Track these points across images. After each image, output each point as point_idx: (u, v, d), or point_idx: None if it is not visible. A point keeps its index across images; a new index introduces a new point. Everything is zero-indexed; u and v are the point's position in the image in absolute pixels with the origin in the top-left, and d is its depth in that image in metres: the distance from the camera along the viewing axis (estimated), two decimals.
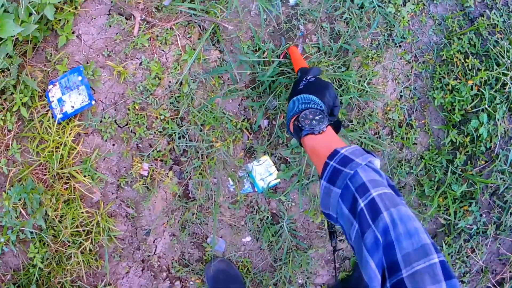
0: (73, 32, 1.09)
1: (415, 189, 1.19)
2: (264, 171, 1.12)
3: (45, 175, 1.07)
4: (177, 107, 1.11)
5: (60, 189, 1.06)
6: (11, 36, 0.94)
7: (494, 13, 1.23)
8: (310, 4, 1.15)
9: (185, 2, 1.10)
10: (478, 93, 1.17)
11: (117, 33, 1.10)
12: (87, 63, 1.09)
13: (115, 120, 1.11)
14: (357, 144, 1.10)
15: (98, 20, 1.11)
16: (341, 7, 1.14)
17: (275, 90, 1.09)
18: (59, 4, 1.04)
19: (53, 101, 1.04)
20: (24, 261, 1.15)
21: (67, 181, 1.08)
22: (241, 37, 1.12)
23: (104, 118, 1.10)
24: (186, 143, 1.11)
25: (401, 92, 1.18)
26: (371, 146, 1.14)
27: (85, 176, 1.06)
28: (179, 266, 1.24)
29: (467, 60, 1.18)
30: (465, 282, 1.33)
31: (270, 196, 1.14)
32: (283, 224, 1.16)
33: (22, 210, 1.05)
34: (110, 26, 1.10)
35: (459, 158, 1.16)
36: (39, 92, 1.06)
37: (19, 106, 1.04)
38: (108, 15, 1.11)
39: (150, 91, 1.10)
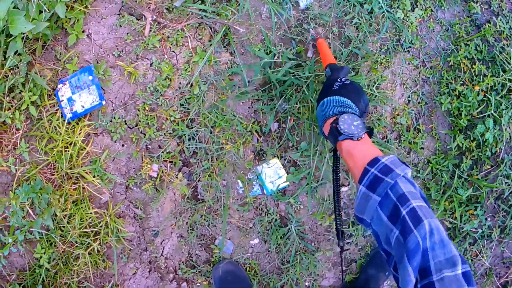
0: (83, 31, 1.07)
1: None
2: (274, 173, 1.11)
3: (53, 175, 1.05)
4: (187, 109, 1.10)
5: (69, 189, 1.04)
6: (21, 33, 0.93)
7: (501, 20, 1.24)
8: (321, 9, 1.15)
9: (196, 3, 1.09)
10: (485, 98, 1.18)
11: (127, 33, 1.09)
12: (97, 62, 1.07)
13: (125, 121, 1.10)
14: None
15: (108, 19, 1.09)
16: (351, 12, 1.14)
17: (285, 93, 1.09)
18: (70, 2, 1.02)
19: (62, 100, 1.03)
20: (30, 261, 1.13)
21: (76, 181, 1.06)
22: (252, 39, 1.12)
23: (114, 118, 1.08)
24: (196, 145, 1.10)
25: (409, 97, 1.19)
26: (380, 150, 1.14)
27: (94, 177, 1.04)
28: (186, 268, 1.23)
29: (474, 66, 1.19)
30: None
31: (279, 198, 1.14)
32: (291, 227, 1.15)
33: (29, 210, 1.03)
34: (121, 26, 1.09)
35: (465, 162, 1.17)
36: (48, 90, 1.04)
37: (28, 105, 1.02)
38: (119, 14, 1.10)
39: (160, 92, 1.09)
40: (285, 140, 1.12)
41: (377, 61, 1.14)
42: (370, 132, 0.61)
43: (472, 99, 1.16)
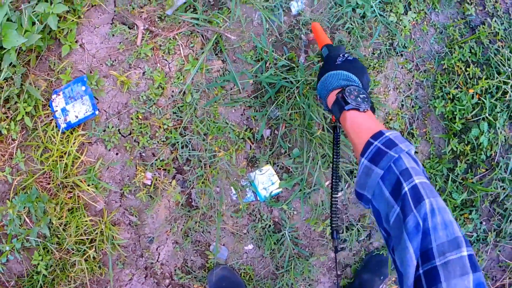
0: (76, 41, 1.09)
1: None
2: (267, 180, 1.13)
3: (49, 183, 1.08)
4: (180, 117, 1.12)
5: (64, 198, 1.07)
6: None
7: (495, 21, 1.23)
8: (313, 14, 1.15)
9: (187, 12, 1.10)
10: (479, 101, 1.18)
11: (120, 42, 1.11)
12: (91, 72, 1.09)
13: (119, 130, 1.11)
14: None
15: (101, 29, 1.11)
16: (343, 16, 1.15)
17: (277, 100, 1.10)
18: (62, 13, 1.04)
19: (56, 110, 1.05)
20: (28, 268, 1.16)
21: (71, 190, 1.08)
22: (243, 47, 1.13)
23: (108, 127, 1.10)
24: (189, 152, 1.12)
25: (402, 101, 1.19)
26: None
27: (89, 185, 1.06)
28: (182, 273, 1.25)
29: (468, 68, 1.19)
30: None
31: (272, 205, 1.15)
32: (285, 233, 1.17)
33: (26, 218, 1.06)
34: (113, 35, 1.10)
35: (460, 166, 1.17)
36: (42, 101, 1.06)
37: (23, 115, 1.04)
38: (111, 24, 1.11)
39: (153, 101, 1.11)
40: (278, 147, 1.13)
41: (370, 65, 1.15)
42: (373, 110, 0.59)
43: (467, 102, 1.16)
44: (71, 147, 1.05)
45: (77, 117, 1.05)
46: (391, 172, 0.47)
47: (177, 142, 1.12)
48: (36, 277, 1.16)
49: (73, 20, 1.06)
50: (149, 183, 1.13)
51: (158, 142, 1.12)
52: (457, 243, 0.43)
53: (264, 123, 1.11)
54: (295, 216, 1.18)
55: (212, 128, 1.09)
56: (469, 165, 1.21)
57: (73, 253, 1.12)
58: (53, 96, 1.05)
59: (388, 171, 0.48)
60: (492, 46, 1.21)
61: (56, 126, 1.06)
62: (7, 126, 1.04)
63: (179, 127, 1.12)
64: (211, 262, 1.23)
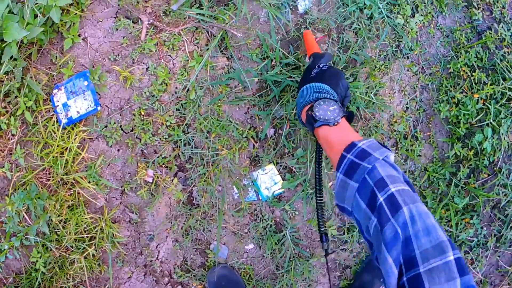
0: (79, 35, 1.08)
1: None
2: (269, 180, 1.13)
3: (49, 180, 1.07)
4: (183, 114, 1.12)
5: (64, 194, 1.06)
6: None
7: (502, 27, 1.24)
8: (320, 13, 1.15)
9: (193, 7, 1.09)
10: (484, 107, 1.19)
11: (124, 37, 1.10)
12: (93, 67, 1.08)
13: (121, 126, 1.11)
14: None
15: (104, 23, 1.10)
16: (351, 17, 1.15)
17: (282, 99, 1.10)
18: (65, 6, 1.03)
19: (58, 105, 1.04)
20: (26, 265, 1.16)
21: (71, 187, 1.08)
22: (249, 44, 1.12)
23: (110, 123, 1.10)
24: (191, 150, 1.12)
25: (407, 104, 1.20)
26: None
27: (89, 182, 1.06)
28: (181, 272, 1.26)
29: (473, 73, 1.19)
30: None
31: (274, 204, 1.15)
32: (286, 233, 1.17)
33: (25, 215, 1.05)
34: (117, 29, 1.10)
35: (463, 171, 1.19)
36: (43, 96, 1.05)
37: (23, 110, 1.04)
38: (115, 18, 1.10)
39: (156, 97, 1.11)
40: (281, 147, 1.13)
41: (375, 67, 1.15)
42: (350, 117, 0.58)
43: (471, 107, 1.17)
44: (72, 143, 1.04)
45: (78, 112, 1.04)
46: (366, 184, 0.47)
47: (180, 140, 1.12)
48: (34, 274, 1.16)
49: (76, 13, 1.05)
50: (151, 181, 1.12)
51: (160, 139, 1.12)
52: (442, 248, 0.43)
53: (268, 122, 1.11)
54: (297, 216, 1.19)
55: (215, 126, 1.09)
56: (472, 170, 1.23)
57: (72, 251, 1.12)
58: (55, 91, 1.04)
59: (362, 183, 0.47)
60: (498, 52, 1.22)
61: (57, 122, 1.05)
62: (6, 121, 1.03)
63: (182, 124, 1.11)
64: (211, 261, 1.24)
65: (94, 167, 1.06)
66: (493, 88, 1.17)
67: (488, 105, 1.18)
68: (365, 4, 1.14)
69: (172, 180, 1.14)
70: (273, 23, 1.12)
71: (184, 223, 1.19)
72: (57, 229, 1.10)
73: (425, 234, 0.43)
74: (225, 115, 1.11)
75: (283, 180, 1.13)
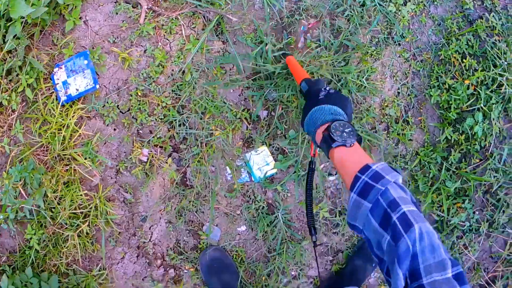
0: (80, 18, 1.15)
1: (409, 184, 1.25)
2: (262, 161, 1.18)
3: (46, 156, 1.13)
4: (179, 95, 1.17)
5: (61, 170, 1.11)
6: (20, 18, 1.01)
7: (493, 16, 1.30)
8: (313, 0, 1.22)
9: None
10: (474, 92, 1.24)
11: (123, 21, 1.17)
12: (93, 48, 1.15)
13: (118, 106, 1.17)
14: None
15: (105, 7, 1.17)
16: (343, 4, 1.21)
17: (275, 82, 1.15)
18: None
19: (58, 83, 1.10)
20: (20, 242, 1.20)
21: (67, 163, 1.13)
22: (244, 29, 1.19)
23: (107, 103, 1.16)
24: (186, 130, 1.17)
25: (398, 89, 1.25)
26: (368, 140, 1.20)
27: (85, 159, 1.11)
28: (174, 254, 1.29)
29: (464, 60, 1.25)
30: None
31: (266, 186, 1.20)
32: (278, 215, 1.21)
33: (22, 191, 1.10)
34: (117, 13, 1.17)
35: (454, 155, 1.23)
36: (44, 74, 1.12)
37: (24, 87, 1.10)
38: (115, 2, 1.18)
39: (153, 78, 1.17)
40: (274, 128, 1.18)
41: (367, 52, 1.21)
42: (359, 140, 0.63)
43: (462, 92, 1.22)
44: (70, 119, 1.10)
45: (77, 90, 1.10)
46: (379, 205, 0.53)
47: (175, 120, 1.17)
48: (28, 252, 1.20)
49: None
50: (145, 160, 1.18)
51: (156, 119, 1.18)
52: (443, 265, 0.49)
53: (261, 104, 1.16)
54: (289, 198, 1.23)
55: (210, 107, 1.15)
56: (463, 155, 1.27)
57: (66, 228, 1.16)
58: (55, 69, 1.11)
59: (376, 204, 0.53)
60: (489, 40, 1.28)
61: (57, 99, 1.11)
62: (8, 97, 1.09)
63: (177, 105, 1.17)
64: (203, 243, 1.27)
65: (91, 144, 1.11)
66: (483, 74, 1.22)
67: (479, 90, 1.22)
68: None
69: (166, 160, 1.19)
70: (268, 9, 1.19)
71: (177, 204, 1.24)
72: (52, 206, 1.15)
73: (430, 251, 0.49)
74: (219, 97, 1.17)
75: (275, 161, 1.18)
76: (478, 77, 1.22)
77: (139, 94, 1.17)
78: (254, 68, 1.17)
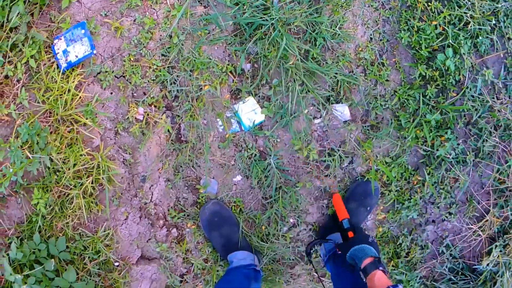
0: None
1: (392, 122, 1.34)
2: (249, 110, 1.28)
3: (49, 120, 1.24)
4: (168, 57, 1.30)
5: (64, 131, 1.23)
6: None
7: None
8: None
9: None
10: (443, 32, 1.35)
11: None
12: (88, 20, 1.30)
13: (113, 71, 1.30)
14: (334, 82, 1.28)
15: None
16: None
17: (255, 36, 1.28)
18: None
19: (58, 53, 1.24)
20: (27, 211, 1.29)
21: (70, 126, 1.25)
22: None
23: (103, 68, 1.29)
24: (177, 88, 1.29)
25: (371, 35, 1.37)
26: (347, 83, 1.31)
27: (86, 119, 1.23)
28: (175, 212, 1.37)
29: (430, 4, 1.38)
30: (453, 214, 1.43)
31: (256, 133, 1.30)
32: (270, 161, 1.30)
33: (28, 154, 1.21)
34: None
35: (430, 90, 1.33)
36: (45, 47, 1.26)
37: (27, 58, 1.24)
38: None
39: (143, 44, 1.30)
40: (258, 79, 1.29)
41: (337, 3, 1.34)
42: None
43: (431, 32, 1.33)
44: (71, 84, 1.22)
45: (77, 56, 1.24)
46: None
47: (166, 80, 1.29)
48: (35, 219, 1.29)
49: None
50: (141, 118, 1.29)
51: (148, 81, 1.30)
52: None
53: (244, 57, 1.28)
54: (279, 144, 1.32)
55: (197, 63, 1.27)
56: (440, 90, 1.37)
57: (71, 188, 1.26)
58: (55, 41, 1.25)
59: None
60: None
61: (58, 67, 1.25)
62: (13, 69, 1.23)
63: (167, 67, 1.30)
64: (202, 197, 1.36)
65: (91, 104, 1.23)
66: (449, 13, 1.34)
67: (446, 29, 1.34)
68: None
69: (161, 117, 1.30)
70: None
71: (174, 161, 1.33)
72: (57, 169, 1.25)
73: None
74: (205, 54, 1.30)
75: (262, 109, 1.28)
76: (444, 17, 1.34)
77: (132, 59, 1.30)
78: (235, 26, 1.30)
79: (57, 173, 1.26)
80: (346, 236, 1.17)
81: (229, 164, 1.33)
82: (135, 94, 1.31)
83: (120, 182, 1.31)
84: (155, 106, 1.31)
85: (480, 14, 1.34)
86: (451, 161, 1.35)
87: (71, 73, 1.26)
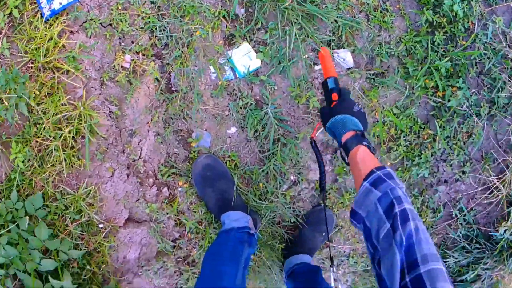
0: None
1: (398, 70, 1.25)
2: (244, 56, 1.20)
3: (31, 70, 1.17)
4: (158, 5, 1.24)
5: (44, 78, 1.15)
6: None
7: None
8: None
9: None
10: None
11: None
12: None
13: (99, 19, 1.23)
14: (335, 26, 1.20)
15: None
16: None
17: None
18: None
19: (42, 1, 1.18)
20: (7, 168, 1.20)
21: (51, 74, 1.17)
22: None
23: (89, 16, 1.22)
24: (167, 34, 1.22)
25: None
26: (349, 28, 1.23)
27: (69, 65, 1.15)
28: (166, 168, 1.28)
29: None
30: (466, 173, 1.32)
31: (251, 79, 1.21)
32: (268, 110, 1.21)
33: (5, 102, 1.13)
34: None
35: (438, 36, 1.24)
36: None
37: (11, 9, 1.17)
38: None
39: None
40: (253, 22, 1.22)
41: None
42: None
43: None
44: (54, 30, 1.15)
45: (61, 3, 1.17)
46: (387, 195, 0.63)
47: (155, 27, 1.22)
48: (13, 176, 1.20)
49: None
50: (128, 66, 1.21)
51: (136, 29, 1.23)
52: (437, 258, 0.56)
53: (237, 1, 1.21)
54: (277, 91, 1.23)
55: (188, 8, 1.20)
56: (449, 38, 1.28)
57: (51, 140, 1.17)
58: None
59: (385, 194, 0.64)
60: None
61: (41, 17, 1.18)
62: None
63: (157, 14, 1.23)
64: (194, 152, 1.26)
65: (73, 51, 1.16)
66: None
67: None
68: None
69: (150, 64, 1.22)
70: None
71: (164, 113, 1.25)
72: (37, 121, 1.17)
73: (426, 243, 0.57)
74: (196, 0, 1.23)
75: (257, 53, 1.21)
76: None
77: (120, 8, 1.24)
78: None
79: (37, 125, 1.18)
80: (330, 99, 0.91)
81: (223, 114, 1.24)
82: (122, 43, 1.24)
83: (105, 135, 1.22)
84: (143, 55, 1.23)
85: None
86: (464, 114, 1.26)
87: (55, 21, 1.19)
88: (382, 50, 1.24)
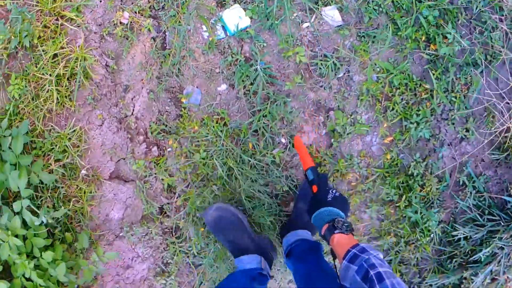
0: None
1: (388, 26, 1.26)
2: (235, 16, 1.25)
3: (40, 17, 1.26)
4: None
5: (49, 21, 1.23)
6: None
7: None
8: None
9: None
10: None
11: None
12: None
13: None
14: None
15: None
16: None
17: None
18: None
19: None
20: (3, 100, 1.24)
21: (55, 21, 1.25)
22: None
23: None
24: None
25: None
26: None
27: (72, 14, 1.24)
28: (156, 125, 1.28)
29: None
30: (470, 130, 1.24)
31: (241, 36, 1.24)
32: (257, 67, 1.22)
33: (12, 37, 1.20)
34: None
35: None
36: None
37: None
38: None
39: None
40: None
41: None
42: (351, 231, 0.91)
43: None
44: None
45: None
46: (362, 267, 0.76)
47: None
48: (7, 108, 1.22)
49: None
50: (126, 22, 1.28)
51: None
52: None
53: None
54: (266, 48, 1.25)
55: None
56: None
57: (47, 79, 1.20)
58: None
59: (360, 266, 0.77)
60: None
61: None
62: None
63: None
64: (185, 111, 1.27)
65: (77, 2, 1.25)
66: None
67: None
68: None
69: (146, 20, 1.28)
70: None
71: (158, 71, 1.29)
72: (38, 60, 1.22)
73: None
74: None
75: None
76: None
77: None
78: None
79: (37, 65, 1.23)
80: (312, 190, 1.01)
81: (214, 71, 1.26)
82: (123, 3, 1.33)
83: (100, 82, 1.25)
84: (141, 15, 1.31)
85: None
86: (460, 64, 1.22)
87: None
88: (370, 6, 1.26)
